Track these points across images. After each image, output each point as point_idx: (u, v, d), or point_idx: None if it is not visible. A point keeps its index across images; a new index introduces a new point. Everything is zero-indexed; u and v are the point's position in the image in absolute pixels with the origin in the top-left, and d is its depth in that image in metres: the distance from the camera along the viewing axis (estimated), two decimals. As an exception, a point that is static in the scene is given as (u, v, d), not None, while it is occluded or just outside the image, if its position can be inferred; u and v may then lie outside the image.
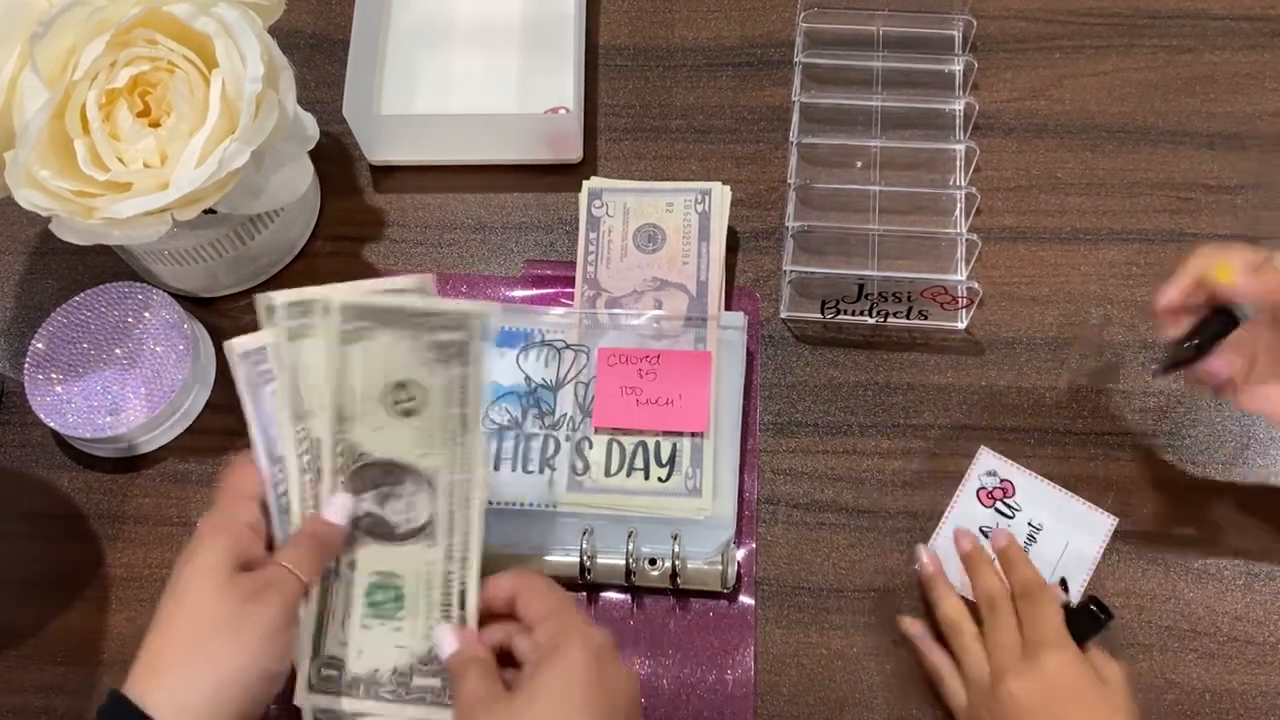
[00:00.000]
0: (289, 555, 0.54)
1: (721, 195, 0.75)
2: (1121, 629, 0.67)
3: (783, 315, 0.75)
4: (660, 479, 0.69)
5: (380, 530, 0.56)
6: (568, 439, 0.70)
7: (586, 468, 0.69)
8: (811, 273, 0.74)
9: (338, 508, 0.56)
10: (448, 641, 0.56)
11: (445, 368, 0.54)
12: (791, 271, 0.74)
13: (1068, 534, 0.68)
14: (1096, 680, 0.59)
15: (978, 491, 0.70)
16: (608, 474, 0.69)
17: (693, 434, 0.69)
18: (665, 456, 0.69)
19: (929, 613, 0.67)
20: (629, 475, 0.69)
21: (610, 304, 0.73)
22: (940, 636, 0.65)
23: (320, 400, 0.55)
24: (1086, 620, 0.61)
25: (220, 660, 0.50)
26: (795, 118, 0.79)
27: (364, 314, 0.54)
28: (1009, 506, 0.69)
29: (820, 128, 0.80)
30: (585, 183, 0.76)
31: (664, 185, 0.76)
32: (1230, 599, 0.68)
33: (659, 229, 0.74)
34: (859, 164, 0.80)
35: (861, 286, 0.72)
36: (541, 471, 0.70)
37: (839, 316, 0.74)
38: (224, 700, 0.50)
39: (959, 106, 0.81)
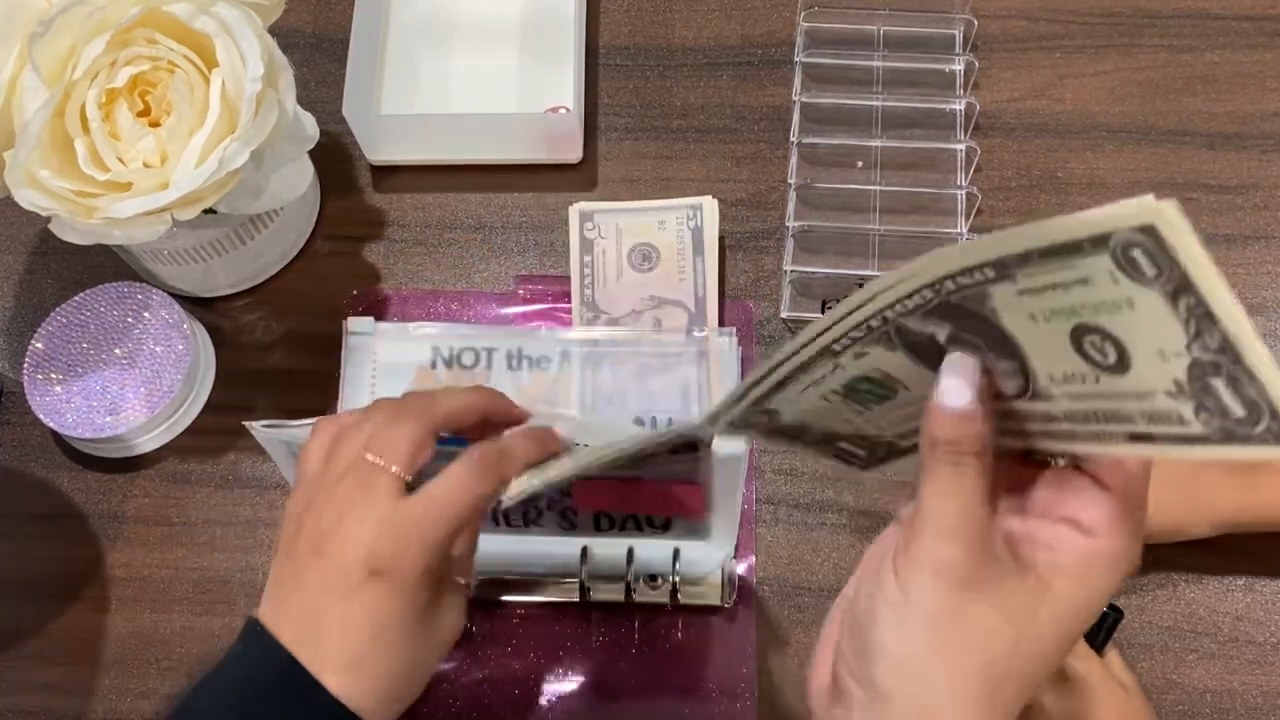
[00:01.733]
0: (457, 566, 0.51)
1: (711, 209, 0.75)
2: (1122, 629, 0.66)
3: (783, 315, 0.75)
4: (656, 529, 0.62)
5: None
6: (550, 507, 0.61)
7: (574, 527, 0.63)
8: (812, 273, 0.74)
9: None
10: (958, 387, 0.36)
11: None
12: (792, 271, 0.74)
13: None
14: (1119, 686, 0.60)
15: None
16: (598, 530, 0.63)
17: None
18: (660, 521, 0.61)
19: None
20: (622, 529, 0.62)
21: (609, 325, 0.73)
22: None
23: None
24: (1099, 623, 0.62)
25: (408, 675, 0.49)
26: (795, 117, 0.79)
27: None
28: None
29: (821, 127, 0.80)
30: (574, 207, 0.76)
31: (654, 203, 0.76)
32: (1231, 599, 0.68)
33: (653, 248, 0.74)
34: (859, 164, 0.80)
35: (862, 286, 0.72)
36: (526, 526, 0.63)
37: None
38: (394, 699, 0.48)
39: (960, 106, 0.81)
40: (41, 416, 0.70)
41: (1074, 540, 0.37)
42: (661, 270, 0.74)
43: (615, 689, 0.66)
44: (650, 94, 0.84)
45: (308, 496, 0.50)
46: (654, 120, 0.83)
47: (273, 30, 0.67)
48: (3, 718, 0.67)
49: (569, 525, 0.63)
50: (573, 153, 0.80)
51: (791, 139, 0.79)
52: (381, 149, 0.80)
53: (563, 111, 0.80)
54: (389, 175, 0.82)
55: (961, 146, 0.79)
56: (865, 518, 0.70)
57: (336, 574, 0.47)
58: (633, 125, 0.82)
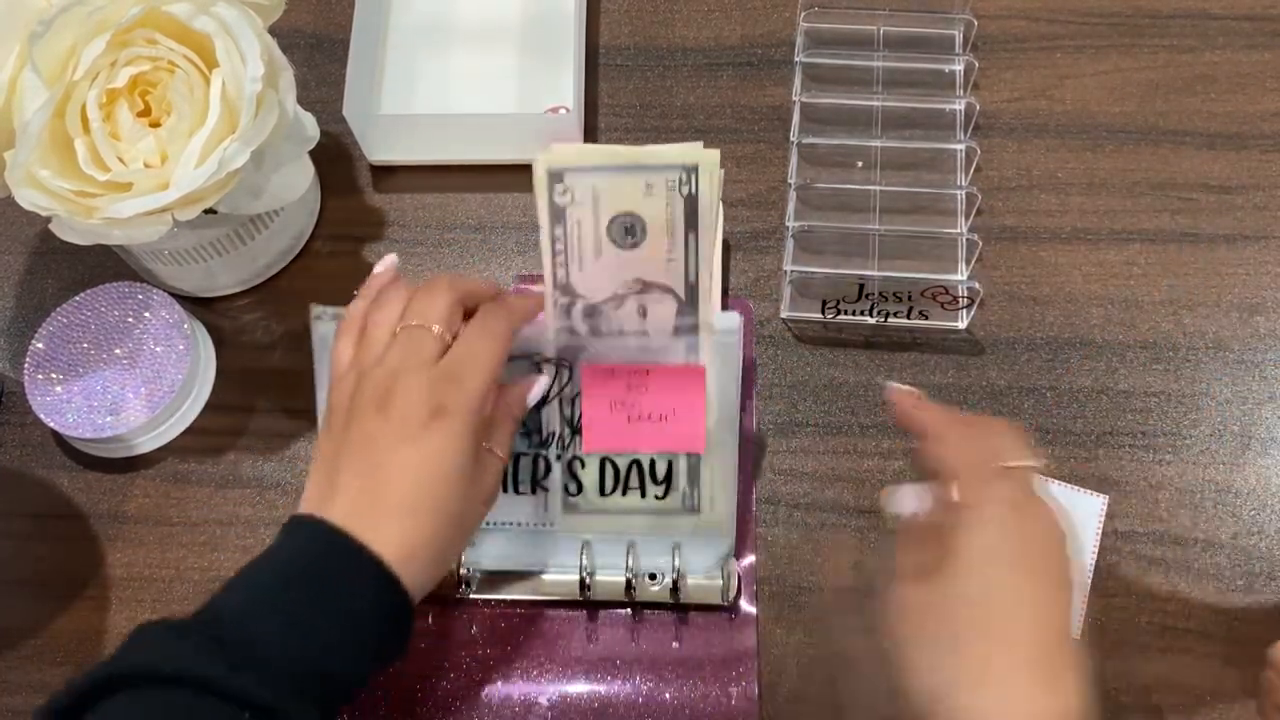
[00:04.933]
0: (495, 439, 0.57)
1: (709, 168, 0.59)
2: (1122, 629, 0.67)
3: (783, 315, 0.75)
4: (657, 496, 0.67)
5: None
6: (558, 458, 0.66)
7: (580, 488, 0.66)
8: (812, 273, 0.74)
9: (537, 389, 0.61)
10: (910, 500, 0.54)
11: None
12: (792, 271, 0.74)
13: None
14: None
15: None
16: (602, 494, 0.66)
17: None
18: (661, 474, 0.66)
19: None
20: (624, 494, 0.67)
21: (588, 311, 0.62)
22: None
23: None
24: None
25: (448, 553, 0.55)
26: (796, 118, 0.79)
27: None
28: None
29: (821, 128, 0.80)
30: (541, 157, 0.59)
31: (639, 157, 0.60)
32: (1231, 599, 0.68)
33: (637, 219, 0.60)
34: (859, 164, 0.80)
35: (862, 286, 0.72)
36: (534, 492, 0.67)
37: (839, 316, 0.74)
38: (438, 558, 0.53)
39: (960, 106, 0.81)
40: (42, 416, 0.70)
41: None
42: (648, 248, 0.61)
43: (615, 687, 0.66)
44: (650, 94, 0.84)
45: (354, 380, 0.54)
46: (654, 120, 0.83)
47: (273, 30, 0.67)
48: (3, 718, 0.67)
49: (576, 488, 0.66)
50: (573, 153, 0.80)
51: (791, 139, 0.79)
52: (381, 149, 0.80)
53: (563, 111, 0.80)
54: (389, 175, 0.82)
55: (961, 146, 0.79)
56: (865, 517, 0.70)
57: (400, 424, 0.52)
58: (633, 125, 0.82)
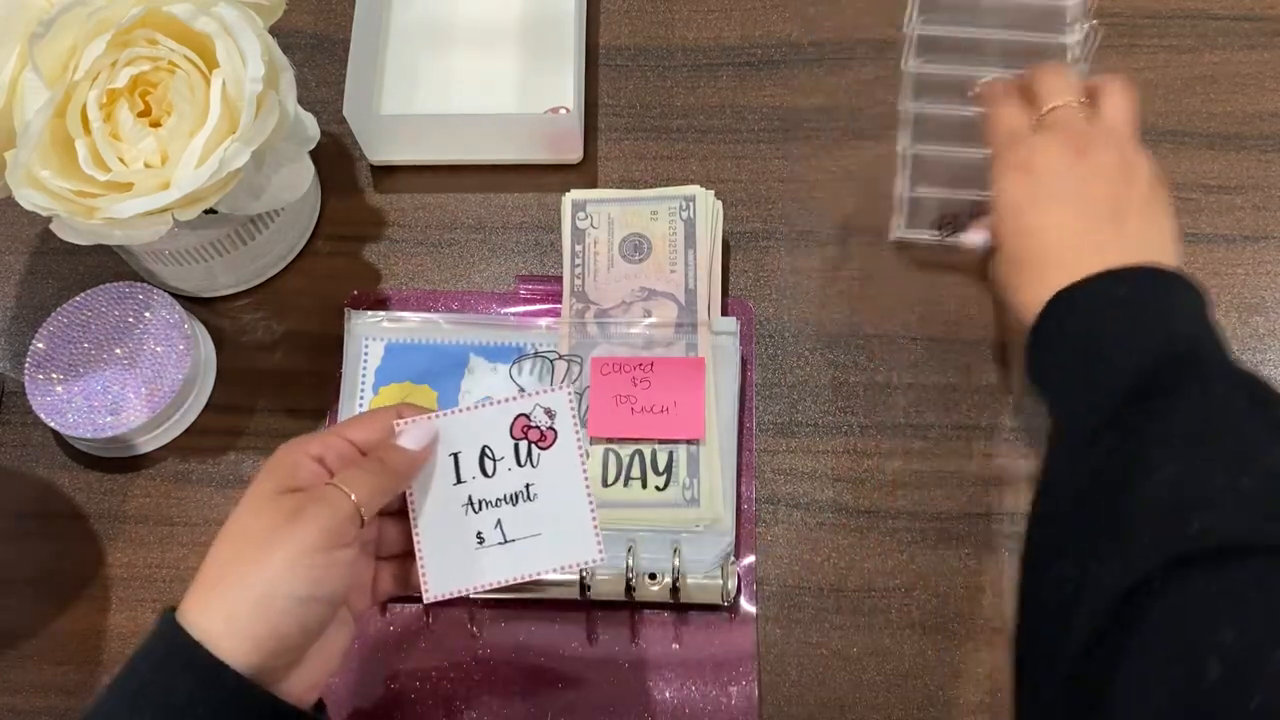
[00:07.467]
0: (345, 476, 0.51)
1: (706, 201, 0.74)
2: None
3: (897, 236, 0.75)
4: (658, 488, 0.68)
5: None
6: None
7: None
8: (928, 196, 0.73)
9: (413, 435, 0.54)
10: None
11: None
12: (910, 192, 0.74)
13: None
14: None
15: None
16: (605, 484, 0.69)
17: (689, 441, 0.69)
18: (662, 464, 0.69)
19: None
20: (626, 484, 0.69)
21: (599, 316, 0.73)
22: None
23: None
24: None
25: (250, 579, 0.47)
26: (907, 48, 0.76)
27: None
28: None
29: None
30: (567, 195, 0.76)
31: (648, 193, 0.76)
32: (1230, 599, 0.68)
33: (645, 238, 0.74)
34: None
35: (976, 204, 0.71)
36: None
37: (955, 236, 0.74)
38: (260, 618, 0.47)
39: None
40: (43, 416, 0.70)
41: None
42: (653, 262, 0.74)
43: (615, 687, 0.66)
44: (650, 94, 0.84)
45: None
46: (654, 120, 0.83)
47: (273, 30, 0.67)
48: (3, 717, 0.67)
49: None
50: (573, 153, 0.80)
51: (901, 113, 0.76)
52: (382, 149, 0.80)
53: (563, 112, 0.80)
54: (389, 175, 0.82)
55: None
56: (865, 517, 0.70)
57: None
58: (633, 125, 0.82)
